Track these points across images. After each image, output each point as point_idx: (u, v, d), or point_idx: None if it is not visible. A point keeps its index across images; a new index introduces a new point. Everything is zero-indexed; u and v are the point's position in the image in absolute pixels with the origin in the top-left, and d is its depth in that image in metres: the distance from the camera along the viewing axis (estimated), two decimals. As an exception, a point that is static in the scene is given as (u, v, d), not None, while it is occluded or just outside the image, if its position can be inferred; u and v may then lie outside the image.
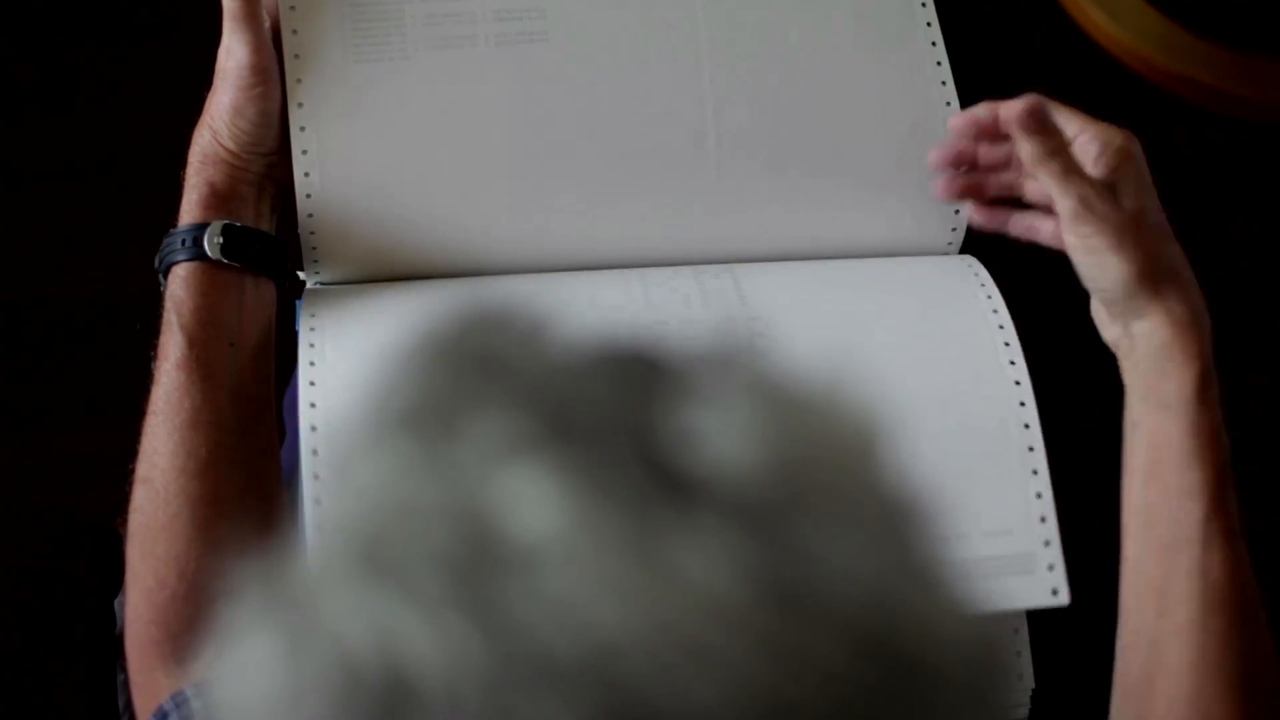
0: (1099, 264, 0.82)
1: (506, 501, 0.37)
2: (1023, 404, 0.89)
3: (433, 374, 0.41)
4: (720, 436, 0.38)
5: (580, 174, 0.91)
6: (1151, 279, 0.81)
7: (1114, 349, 0.85)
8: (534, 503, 0.37)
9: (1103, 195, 0.82)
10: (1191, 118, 1.31)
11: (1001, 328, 0.91)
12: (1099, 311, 0.85)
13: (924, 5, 0.97)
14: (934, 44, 0.96)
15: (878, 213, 0.95)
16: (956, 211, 0.93)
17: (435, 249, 0.91)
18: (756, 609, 0.36)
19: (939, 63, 0.96)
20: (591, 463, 0.37)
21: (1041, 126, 0.81)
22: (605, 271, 0.92)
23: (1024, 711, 0.89)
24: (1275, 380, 1.22)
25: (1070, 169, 0.81)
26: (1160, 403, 0.82)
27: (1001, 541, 0.86)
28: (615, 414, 0.39)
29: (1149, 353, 0.82)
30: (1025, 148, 0.81)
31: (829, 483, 0.39)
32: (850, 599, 0.37)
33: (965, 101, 0.93)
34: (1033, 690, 0.89)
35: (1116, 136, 0.84)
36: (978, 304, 0.93)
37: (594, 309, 0.90)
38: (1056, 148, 0.81)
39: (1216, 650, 0.78)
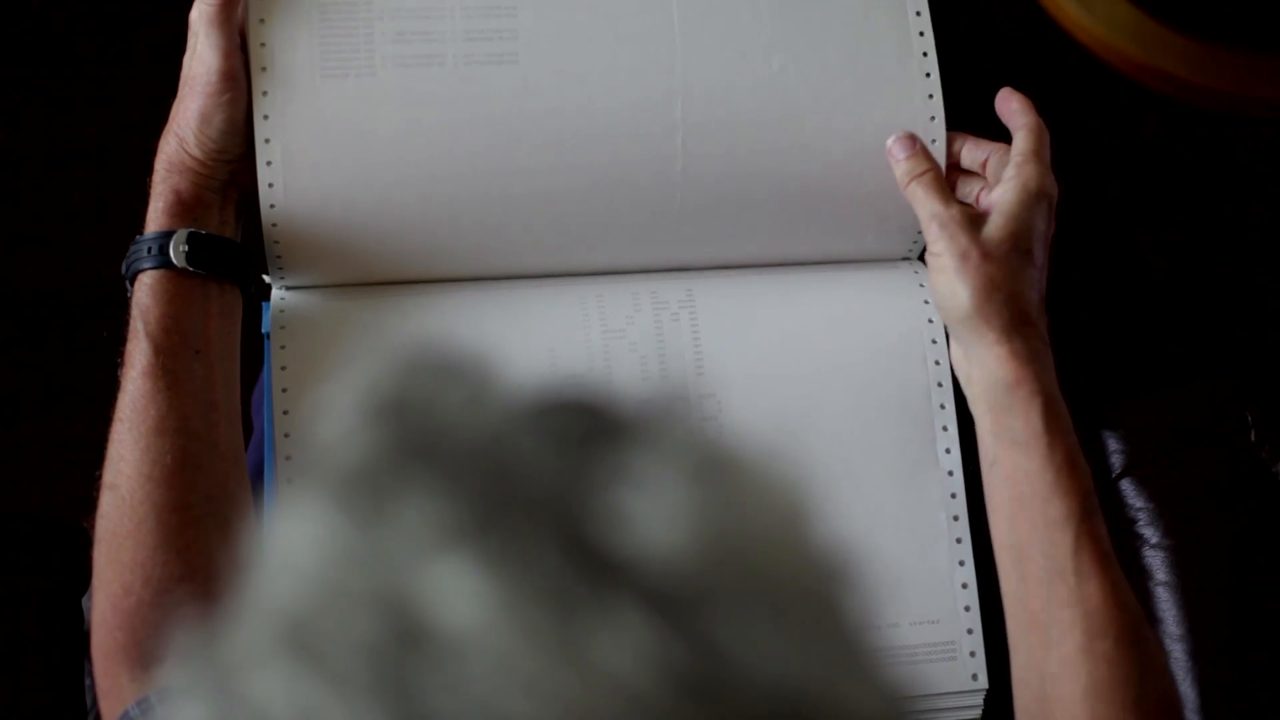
0: (942, 284, 0.86)
1: (431, 594, 0.38)
2: (954, 495, 0.91)
3: (372, 436, 0.41)
4: (651, 517, 0.39)
5: (543, 196, 0.91)
6: (987, 309, 0.84)
7: (962, 384, 0.88)
8: (458, 596, 0.37)
9: (960, 220, 0.87)
10: (1163, 110, 1.31)
11: (943, 407, 0.92)
12: (954, 342, 0.89)
13: (921, 34, 0.94)
14: (928, 75, 0.94)
15: (843, 230, 0.95)
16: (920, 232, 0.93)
17: (397, 260, 0.91)
18: (672, 701, 0.36)
19: (930, 95, 0.93)
20: (517, 554, 0.38)
21: (910, 154, 0.91)
22: (561, 290, 0.93)
23: (977, 713, 0.90)
24: (1243, 374, 1.22)
25: (931, 191, 0.89)
26: (1012, 439, 0.83)
27: (929, 630, 0.88)
28: (549, 487, 0.39)
29: (990, 388, 0.85)
30: (896, 170, 0.91)
31: (757, 566, 0.39)
32: (769, 687, 0.37)
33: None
34: (986, 691, 0.90)
35: (1028, 175, 0.88)
36: (925, 374, 0.93)
37: (546, 337, 0.91)
38: (921, 173, 0.90)
39: (1106, 675, 0.79)
